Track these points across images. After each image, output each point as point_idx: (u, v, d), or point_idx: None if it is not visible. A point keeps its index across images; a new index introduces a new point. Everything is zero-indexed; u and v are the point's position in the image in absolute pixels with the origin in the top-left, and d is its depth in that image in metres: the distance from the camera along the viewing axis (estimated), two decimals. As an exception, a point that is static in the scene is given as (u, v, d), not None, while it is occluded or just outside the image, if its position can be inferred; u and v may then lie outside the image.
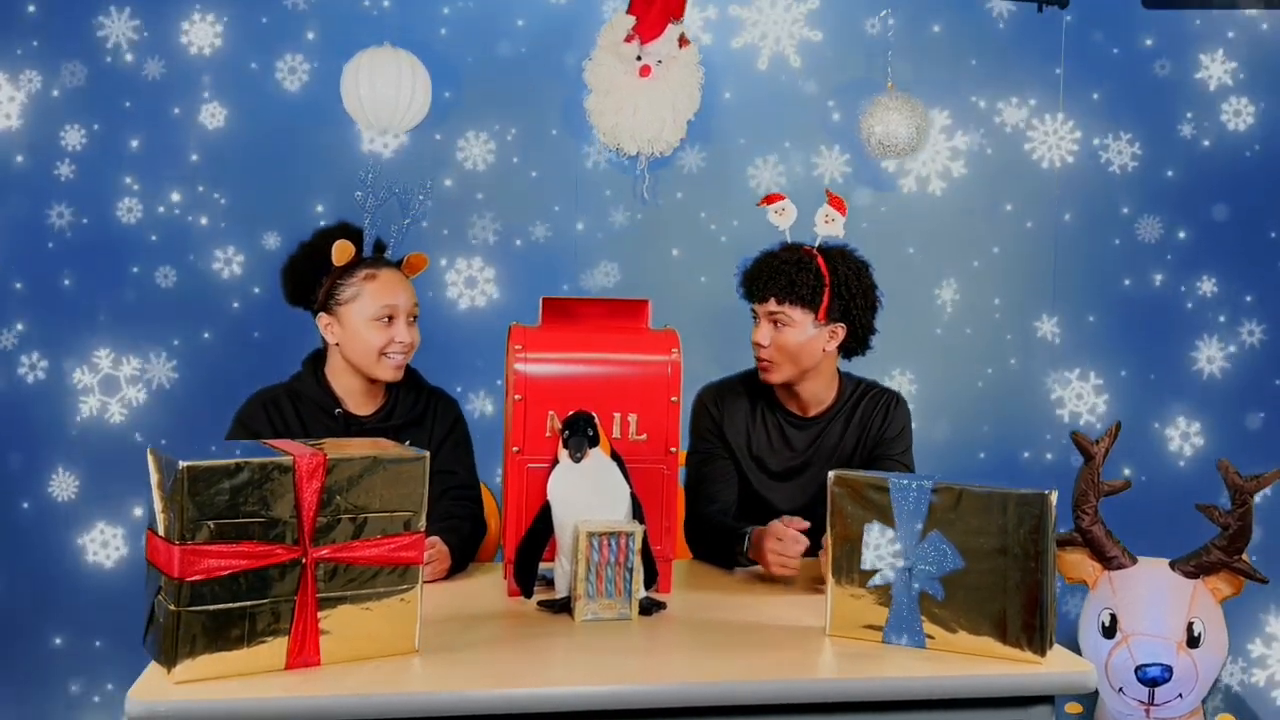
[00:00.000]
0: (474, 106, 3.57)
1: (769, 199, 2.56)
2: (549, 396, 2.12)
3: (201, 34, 3.48)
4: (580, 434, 2.00)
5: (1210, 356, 3.76)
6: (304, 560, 1.68)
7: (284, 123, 3.51)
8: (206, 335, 3.51)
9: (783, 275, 2.44)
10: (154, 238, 3.48)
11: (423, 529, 1.78)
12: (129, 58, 3.46)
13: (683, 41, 3.43)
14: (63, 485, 3.46)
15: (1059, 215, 3.73)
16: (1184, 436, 3.76)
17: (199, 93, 3.48)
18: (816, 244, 2.52)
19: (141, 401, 3.49)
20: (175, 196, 3.48)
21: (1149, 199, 3.75)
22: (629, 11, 3.39)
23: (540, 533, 2.05)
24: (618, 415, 2.14)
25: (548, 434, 2.11)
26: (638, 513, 2.05)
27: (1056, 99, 3.71)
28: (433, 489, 1.83)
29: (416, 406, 2.48)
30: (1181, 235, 3.76)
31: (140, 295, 3.49)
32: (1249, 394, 3.77)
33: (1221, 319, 3.77)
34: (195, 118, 3.48)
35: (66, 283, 3.47)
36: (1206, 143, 3.74)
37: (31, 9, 3.43)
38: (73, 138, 3.44)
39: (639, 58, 3.38)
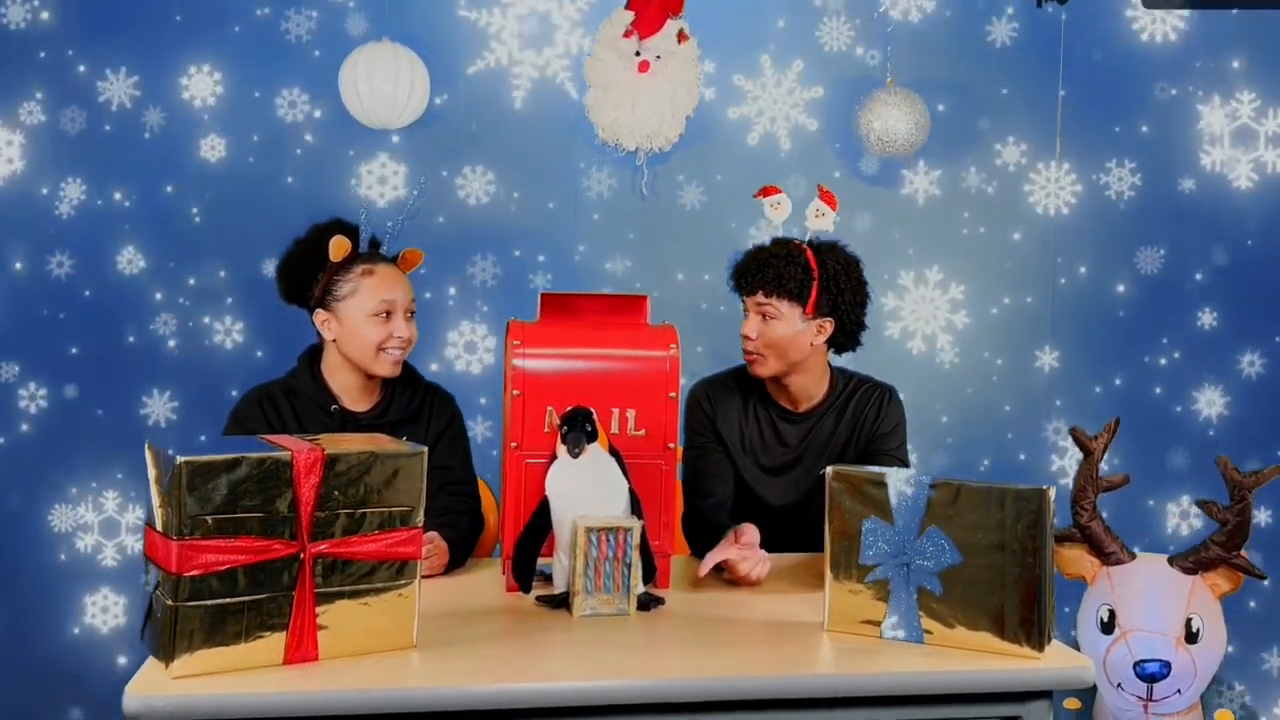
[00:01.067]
0: (473, 144, 3.55)
1: (765, 191, 2.56)
2: (547, 392, 2.12)
3: (201, 85, 3.46)
4: (579, 429, 2.00)
5: (1211, 400, 3.74)
6: (302, 555, 1.68)
7: (285, 168, 3.50)
8: (204, 376, 3.48)
9: (771, 268, 2.44)
10: (154, 285, 3.47)
11: (421, 524, 1.78)
12: (130, 112, 3.44)
13: (681, 37, 3.41)
14: (62, 517, 3.47)
15: (1056, 274, 3.69)
16: (1183, 513, 3.73)
17: (200, 142, 3.46)
18: (807, 239, 2.52)
19: (141, 435, 3.45)
20: (175, 245, 3.47)
21: (1151, 233, 3.71)
22: (627, 7, 3.38)
23: (539, 528, 2.05)
24: (616, 411, 2.13)
25: (546, 429, 2.11)
26: (636, 508, 2.04)
27: (1054, 135, 3.67)
28: (430, 484, 1.83)
29: (413, 403, 2.48)
30: (1185, 275, 3.71)
31: (139, 341, 3.47)
32: (1253, 440, 3.72)
33: (1222, 365, 3.73)
34: (195, 165, 3.47)
35: (67, 325, 3.45)
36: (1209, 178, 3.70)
37: (39, 95, 3.42)
38: (72, 190, 3.43)
39: (638, 53, 3.37)
